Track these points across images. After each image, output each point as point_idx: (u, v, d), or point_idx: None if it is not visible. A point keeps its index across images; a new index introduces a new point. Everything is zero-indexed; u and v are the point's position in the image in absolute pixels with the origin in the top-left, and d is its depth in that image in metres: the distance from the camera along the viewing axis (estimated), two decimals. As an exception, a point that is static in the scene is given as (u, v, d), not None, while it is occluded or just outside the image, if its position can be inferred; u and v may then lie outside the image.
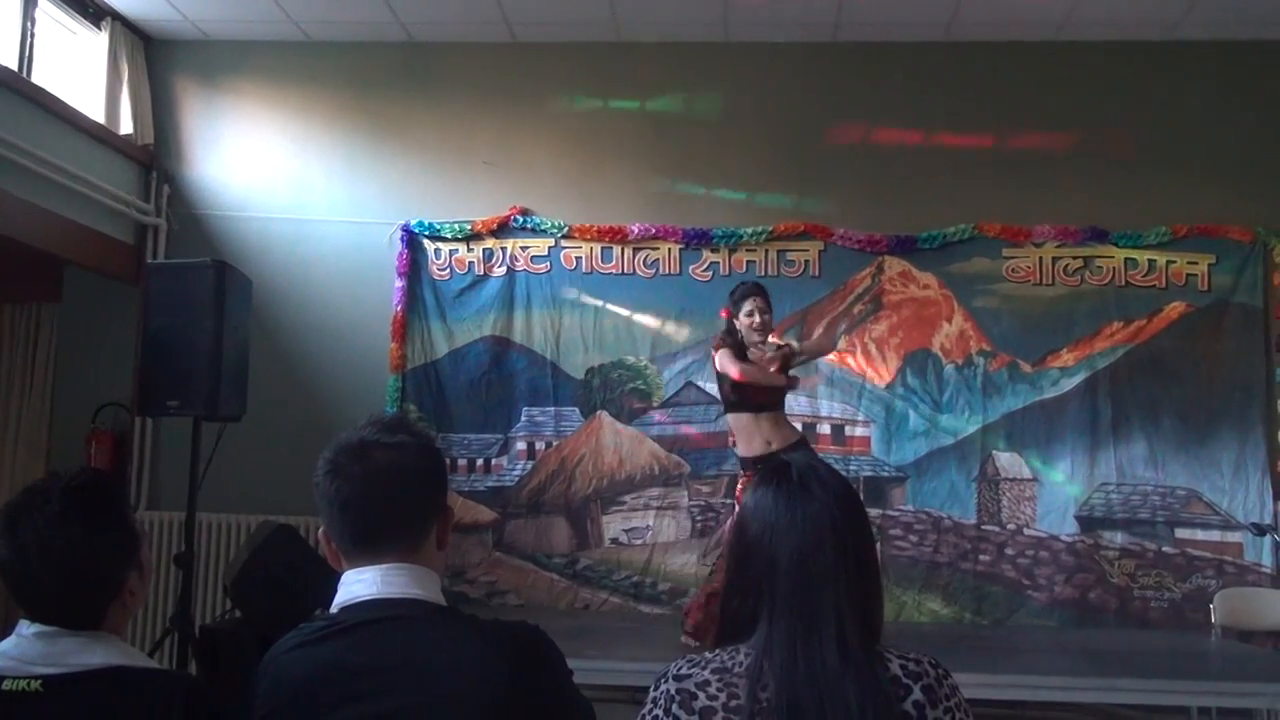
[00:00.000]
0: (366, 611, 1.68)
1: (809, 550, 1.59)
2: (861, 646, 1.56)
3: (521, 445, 6.41)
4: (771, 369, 5.03)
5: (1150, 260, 6.27)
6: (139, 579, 1.93)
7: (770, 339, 5.22)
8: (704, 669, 1.58)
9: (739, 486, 5.24)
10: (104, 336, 6.58)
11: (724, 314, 5.22)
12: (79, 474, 1.89)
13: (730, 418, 5.20)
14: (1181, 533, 6.10)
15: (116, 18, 6.38)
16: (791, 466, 1.69)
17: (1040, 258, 6.33)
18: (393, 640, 1.65)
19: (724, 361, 4.94)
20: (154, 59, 6.73)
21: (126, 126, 6.39)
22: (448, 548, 1.82)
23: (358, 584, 1.71)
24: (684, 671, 1.59)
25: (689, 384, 6.37)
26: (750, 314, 5.06)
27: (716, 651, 1.61)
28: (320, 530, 1.76)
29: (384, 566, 1.70)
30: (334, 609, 1.73)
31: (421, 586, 1.70)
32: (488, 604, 6.13)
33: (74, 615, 1.84)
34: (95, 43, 6.36)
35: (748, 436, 5.05)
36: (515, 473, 6.38)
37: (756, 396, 5.00)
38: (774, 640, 1.56)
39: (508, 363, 6.45)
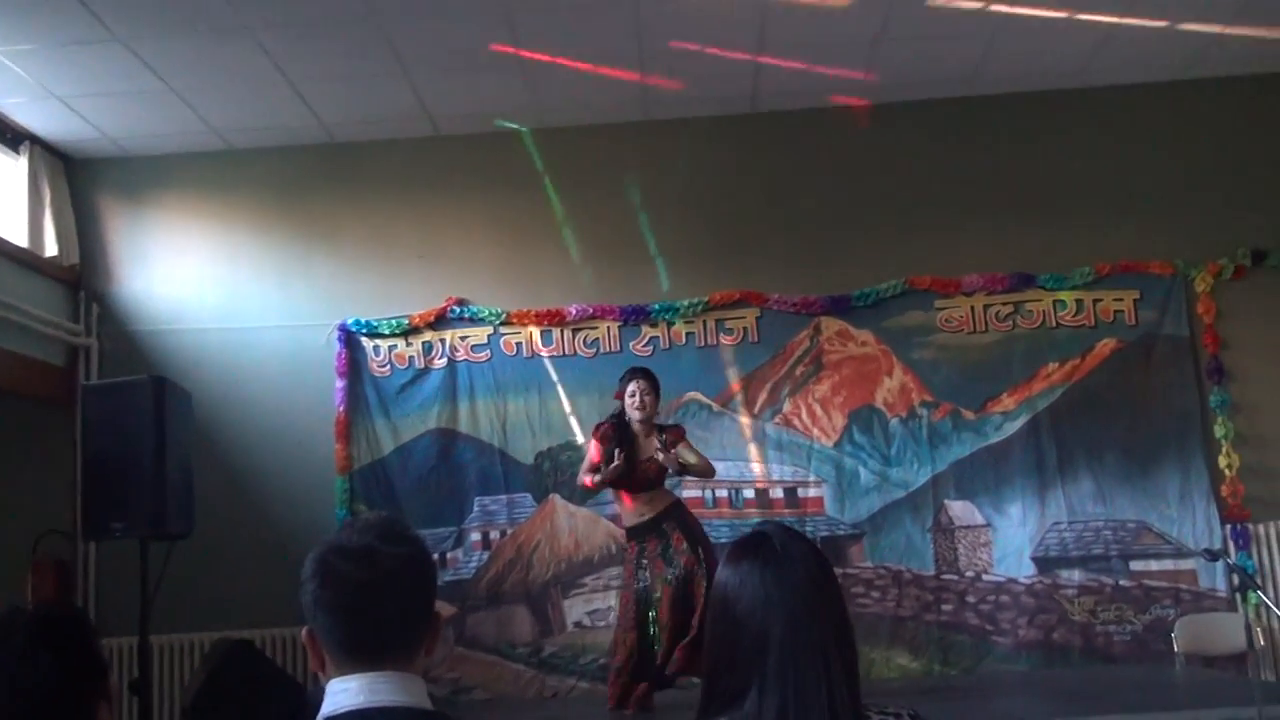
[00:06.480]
0: None
1: (802, 621, 1.57)
2: (851, 712, 1.55)
3: (476, 536, 6.34)
4: (655, 451, 5.22)
5: (1078, 300, 6.42)
6: (108, 710, 1.88)
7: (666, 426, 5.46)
8: (686, 748, 1.57)
9: (628, 555, 5.37)
10: (39, 463, 6.42)
11: (616, 397, 5.45)
12: (43, 606, 1.86)
13: (612, 491, 5.48)
14: (1136, 565, 6.16)
15: (35, 141, 6.35)
16: (771, 536, 1.67)
17: (972, 306, 6.45)
18: None
19: (585, 462, 5.46)
20: (75, 179, 6.68)
21: (51, 248, 6.33)
22: (433, 654, 1.79)
23: (343, 693, 1.67)
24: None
25: (639, 460, 6.36)
26: (632, 394, 5.32)
27: (700, 730, 1.60)
28: (304, 632, 1.72)
29: (370, 675, 1.66)
30: None
31: (408, 693, 1.67)
32: (454, 701, 6.00)
33: None
34: (14, 167, 6.31)
35: (625, 509, 5.37)
36: (472, 565, 6.31)
37: (639, 476, 5.28)
38: (764, 715, 1.55)
39: (456, 454, 6.41)
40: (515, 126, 6.60)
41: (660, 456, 5.18)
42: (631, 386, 5.32)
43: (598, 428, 5.46)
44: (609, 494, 6.28)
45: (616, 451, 5.21)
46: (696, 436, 6.29)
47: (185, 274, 6.67)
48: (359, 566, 1.66)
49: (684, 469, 5.34)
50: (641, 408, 5.30)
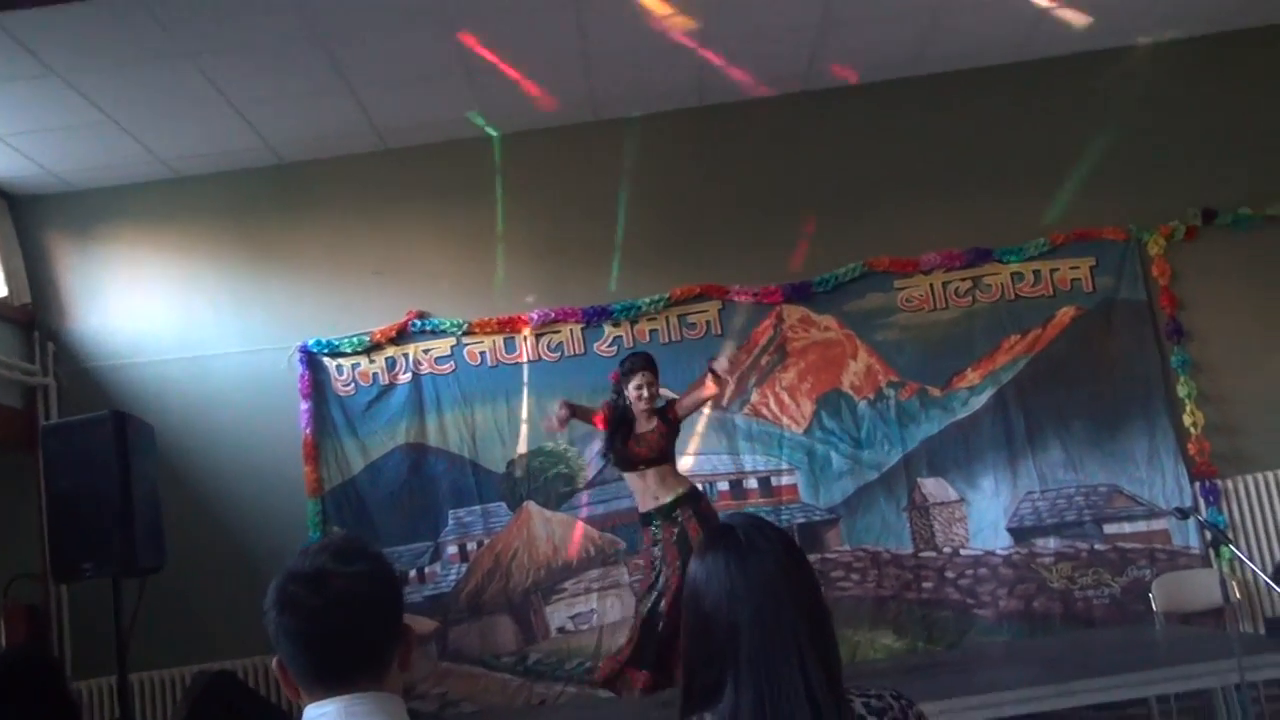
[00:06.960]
0: None
1: (769, 611, 1.58)
2: (830, 698, 1.55)
3: (453, 549, 6.31)
4: (654, 434, 5.22)
5: (1035, 271, 6.46)
6: None
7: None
8: (672, 745, 1.57)
9: (643, 543, 5.35)
10: (3, 508, 6.32)
11: (613, 378, 5.42)
12: (10, 651, 1.83)
13: (625, 478, 5.41)
14: (1110, 528, 6.22)
15: (-24, 183, 6.26)
16: (735, 528, 1.68)
17: (931, 284, 6.48)
18: None
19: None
20: (21, 217, 6.58)
21: (0, 290, 6.23)
22: (409, 669, 1.76)
23: (320, 719, 1.65)
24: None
25: (611, 460, 6.35)
26: (639, 388, 5.22)
27: (683, 724, 1.59)
28: (275, 662, 1.70)
29: (346, 698, 1.64)
30: None
31: (387, 713, 1.65)
32: (442, 716, 5.98)
33: None
34: (-43, 211, 6.22)
35: (639, 493, 5.27)
36: (450, 578, 6.27)
37: (632, 456, 5.23)
38: (742, 707, 1.54)
39: (426, 468, 6.37)
40: (486, 127, 6.58)
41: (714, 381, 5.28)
42: (637, 379, 5.23)
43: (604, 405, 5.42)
44: (584, 497, 6.33)
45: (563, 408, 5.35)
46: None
47: (140, 306, 6.59)
48: (312, 591, 1.64)
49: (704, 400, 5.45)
50: (650, 400, 5.24)
